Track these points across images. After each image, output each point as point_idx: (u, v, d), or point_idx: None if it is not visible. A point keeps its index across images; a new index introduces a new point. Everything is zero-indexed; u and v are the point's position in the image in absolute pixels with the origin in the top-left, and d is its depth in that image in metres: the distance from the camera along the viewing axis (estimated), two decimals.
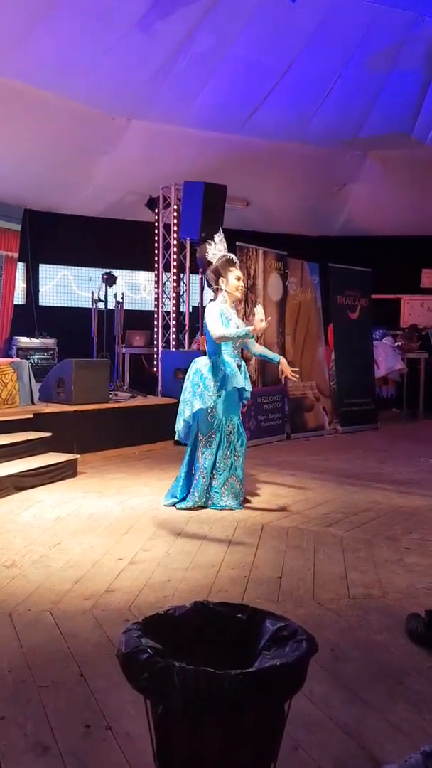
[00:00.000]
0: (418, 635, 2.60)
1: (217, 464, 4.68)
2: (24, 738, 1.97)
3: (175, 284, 8.98)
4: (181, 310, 9.17)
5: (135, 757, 1.86)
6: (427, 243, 11.04)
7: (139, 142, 8.53)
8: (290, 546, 3.84)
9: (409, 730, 2.03)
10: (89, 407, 6.65)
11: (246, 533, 4.09)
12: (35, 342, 9.31)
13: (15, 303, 9.73)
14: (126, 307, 8.98)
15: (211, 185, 7.98)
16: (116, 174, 9.05)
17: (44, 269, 10.31)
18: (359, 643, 2.62)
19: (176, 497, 4.75)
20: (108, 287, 8.49)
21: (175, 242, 8.87)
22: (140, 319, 9.85)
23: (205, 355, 4.85)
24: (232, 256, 4.80)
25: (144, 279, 10.93)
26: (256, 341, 5.03)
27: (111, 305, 8.59)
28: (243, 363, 4.84)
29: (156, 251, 9.18)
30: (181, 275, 9.11)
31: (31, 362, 7.30)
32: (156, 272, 9.25)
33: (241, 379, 4.68)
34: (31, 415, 6.09)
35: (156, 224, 9.18)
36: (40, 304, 10.19)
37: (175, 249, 8.92)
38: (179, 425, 4.77)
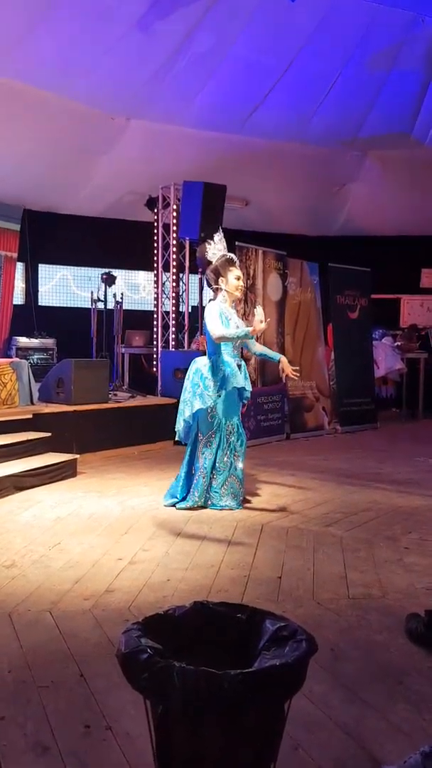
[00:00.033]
0: (417, 635, 2.60)
1: (217, 464, 4.68)
2: (24, 738, 1.97)
3: (174, 284, 8.98)
4: (180, 310, 9.17)
5: (135, 757, 1.86)
6: (426, 243, 11.05)
7: (139, 142, 8.53)
8: (290, 546, 3.84)
9: (409, 730, 2.03)
10: (89, 407, 6.65)
11: (246, 533, 4.09)
12: (34, 342, 9.31)
13: (14, 303, 9.73)
14: (125, 307, 8.99)
15: (211, 185, 7.98)
16: (115, 174, 9.05)
17: (43, 269, 10.31)
18: (359, 643, 2.62)
19: (176, 497, 4.75)
20: (107, 287, 8.49)
21: (175, 242, 8.87)
22: (139, 319, 9.85)
23: (204, 355, 4.85)
24: (232, 255, 4.80)
25: (143, 279, 10.93)
26: (256, 341, 5.03)
27: (110, 305, 8.59)
28: (243, 363, 4.84)
29: (155, 251, 9.18)
30: (181, 275, 9.11)
31: (30, 362, 7.30)
32: (155, 272, 9.25)
33: (241, 379, 4.68)
34: (30, 416, 6.09)
35: (155, 224, 9.18)
36: (40, 304, 10.19)
37: (174, 249, 8.92)
38: (179, 425, 4.77)
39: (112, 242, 10.00)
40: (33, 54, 6.87)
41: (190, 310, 9.32)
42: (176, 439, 5.02)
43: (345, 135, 9.16)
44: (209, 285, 4.91)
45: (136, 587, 3.15)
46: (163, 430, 7.10)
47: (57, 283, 10.42)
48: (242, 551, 3.73)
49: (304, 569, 3.44)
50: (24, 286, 10.08)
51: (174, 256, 8.92)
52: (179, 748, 1.52)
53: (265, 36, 7.62)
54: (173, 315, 8.99)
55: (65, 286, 10.47)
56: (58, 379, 6.69)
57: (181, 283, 9.14)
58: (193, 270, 9.11)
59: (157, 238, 9.16)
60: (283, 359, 4.89)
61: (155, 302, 9.28)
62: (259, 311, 4.59)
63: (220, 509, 4.62)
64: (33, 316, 9.83)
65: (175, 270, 8.96)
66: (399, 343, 10.50)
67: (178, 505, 4.68)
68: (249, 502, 4.84)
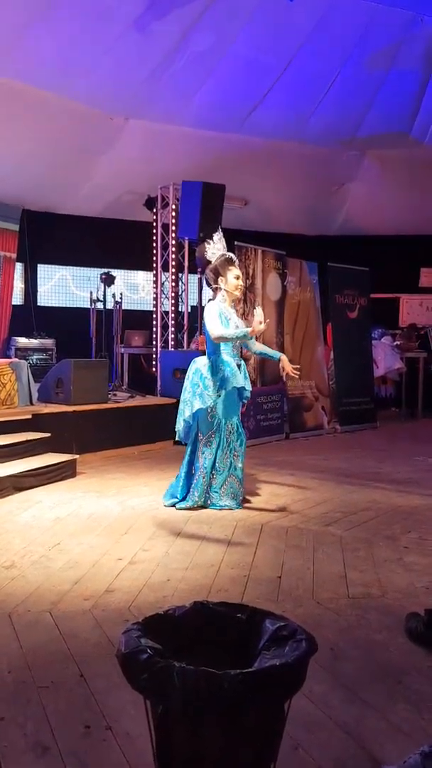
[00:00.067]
0: (417, 634, 2.60)
1: (217, 464, 4.68)
2: (24, 738, 1.97)
3: (173, 284, 8.98)
4: (179, 309, 9.17)
5: (135, 758, 1.86)
6: (425, 242, 11.04)
7: (138, 142, 8.53)
8: (289, 545, 3.84)
9: (409, 729, 2.03)
10: (88, 407, 6.65)
11: (245, 533, 4.09)
12: (34, 342, 9.31)
13: (13, 303, 9.73)
14: (124, 307, 8.99)
15: (210, 185, 7.98)
16: (114, 174, 9.05)
17: (42, 269, 10.30)
18: (359, 642, 2.62)
19: (176, 497, 4.75)
20: (106, 287, 8.49)
21: (174, 242, 8.87)
22: (139, 319, 9.86)
23: (204, 354, 4.85)
24: (231, 255, 4.80)
25: (142, 279, 10.92)
26: (256, 340, 5.03)
27: (109, 305, 8.59)
28: (243, 362, 4.84)
29: (154, 251, 9.18)
30: (180, 275, 9.11)
31: (29, 362, 7.29)
32: (154, 272, 9.25)
33: (241, 379, 4.68)
34: (29, 416, 6.09)
35: (154, 224, 9.18)
36: (39, 304, 10.18)
37: (173, 248, 8.92)
38: (179, 425, 4.77)
39: (111, 242, 10.00)
40: (32, 54, 6.87)
41: (189, 309, 9.32)
42: (176, 439, 5.02)
43: (344, 134, 9.16)
44: (209, 284, 4.91)
45: (136, 587, 3.15)
46: (162, 430, 7.10)
47: (56, 283, 10.42)
48: (242, 551, 3.73)
49: (304, 569, 3.44)
50: (23, 286, 10.08)
51: (173, 256, 8.92)
52: (179, 748, 1.52)
53: (264, 35, 7.62)
54: (172, 315, 8.99)
55: (64, 286, 10.46)
56: (58, 380, 6.68)
57: (180, 283, 9.14)
58: (192, 270, 9.11)
59: (156, 237, 9.16)
60: (284, 357, 4.89)
61: (154, 302, 9.28)
62: (258, 312, 4.59)
63: (220, 509, 4.62)
64: (32, 317, 9.83)
65: (174, 270, 8.96)
66: (398, 343, 10.51)
67: (177, 505, 4.68)
68: (249, 501, 4.84)
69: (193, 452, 4.75)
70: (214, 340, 4.61)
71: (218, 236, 4.84)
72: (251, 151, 8.90)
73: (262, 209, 10.47)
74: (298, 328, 8.60)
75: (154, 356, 9.20)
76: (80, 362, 6.82)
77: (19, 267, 9.89)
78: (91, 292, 8.67)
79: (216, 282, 4.74)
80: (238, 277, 4.75)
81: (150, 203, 9.21)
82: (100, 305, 8.46)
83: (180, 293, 9.16)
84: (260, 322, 4.48)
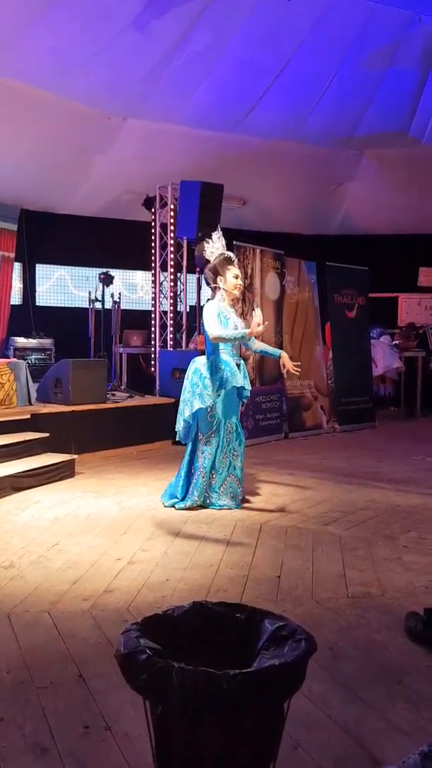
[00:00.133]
0: (417, 634, 2.60)
1: (216, 464, 4.68)
2: (23, 739, 1.96)
3: (172, 284, 8.97)
4: (178, 309, 9.17)
5: (134, 758, 1.86)
6: (424, 241, 11.05)
7: (136, 142, 8.52)
8: (289, 545, 3.84)
9: (409, 729, 2.02)
10: (87, 407, 6.64)
11: (244, 533, 4.09)
12: (32, 342, 9.30)
13: (12, 303, 9.71)
14: (123, 306, 8.98)
15: (208, 184, 7.97)
16: (113, 173, 9.04)
17: (41, 269, 10.29)
18: (358, 642, 2.62)
19: (176, 497, 4.75)
20: (105, 287, 8.48)
21: (172, 241, 8.87)
22: (137, 319, 9.85)
23: (203, 354, 4.85)
24: (230, 254, 4.80)
25: (141, 278, 10.92)
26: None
27: (108, 305, 8.58)
28: (242, 362, 4.84)
29: (153, 251, 9.18)
30: (179, 275, 9.11)
31: (28, 362, 7.29)
32: (153, 272, 9.25)
33: (240, 378, 4.68)
34: (28, 416, 6.08)
35: (153, 224, 9.17)
36: (37, 304, 10.17)
37: (172, 248, 8.91)
38: (179, 425, 4.77)
39: (110, 242, 9.99)
40: (32, 54, 6.86)
41: (188, 309, 9.32)
42: (176, 439, 5.01)
43: (342, 134, 9.15)
44: (208, 284, 4.91)
45: (134, 587, 3.15)
46: (161, 430, 7.10)
47: (54, 283, 10.41)
48: (241, 551, 3.73)
49: (303, 568, 3.44)
50: (21, 286, 10.07)
51: (171, 256, 8.92)
52: (178, 749, 1.52)
53: (262, 34, 7.61)
54: (171, 315, 8.99)
55: (63, 286, 10.45)
56: (56, 380, 6.68)
57: (178, 283, 9.14)
58: (191, 269, 9.10)
59: (155, 237, 9.15)
60: (284, 355, 4.89)
61: (153, 302, 9.27)
62: (257, 314, 4.58)
63: (219, 509, 4.62)
64: (30, 317, 9.82)
65: (172, 269, 8.95)
66: (397, 342, 10.51)
67: (177, 505, 4.67)
68: (248, 501, 4.84)
69: (193, 452, 4.74)
70: (212, 340, 4.61)
71: (217, 235, 4.84)
72: (250, 150, 8.89)
73: (260, 209, 10.47)
74: (297, 327, 8.60)
75: (152, 356, 9.20)
76: (79, 362, 6.81)
77: (17, 267, 9.88)
78: (89, 292, 8.66)
79: (215, 281, 4.74)
80: (237, 277, 4.75)
81: (148, 203, 9.21)
82: (98, 305, 8.45)
83: (178, 293, 9.16)
84: (259, 324, 4.48)
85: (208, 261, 4.76)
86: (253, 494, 5.08)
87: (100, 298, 8.43)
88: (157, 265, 9.14)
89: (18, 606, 2.93)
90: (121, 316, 8.83)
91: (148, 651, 1.50)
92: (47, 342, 9.36)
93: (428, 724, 2.05)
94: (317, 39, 7.76)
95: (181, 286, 9.18)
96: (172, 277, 8.95)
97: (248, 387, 4.77)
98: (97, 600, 3.00)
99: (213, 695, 1.42)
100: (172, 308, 9.00)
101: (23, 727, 2.02)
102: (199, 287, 9.56)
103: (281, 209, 10.56)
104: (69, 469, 5.77)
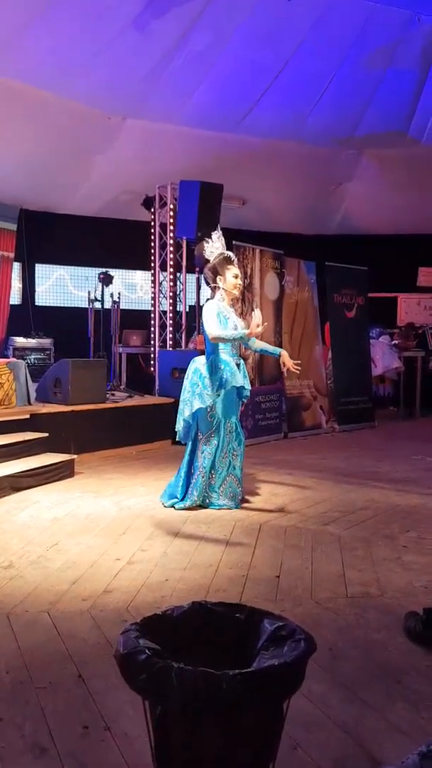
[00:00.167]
0: (416, 633, 2.60)
1: (216, 463, 4.68)
2: (22, 739, 1.96)
3: (171, 284, 8.97)
4: (177, 309, 9.16)
5: (133, 758, 1.86)
6: (423, 241, 11.05)
7: (135, 141, 8.52)
8: (288, 545, 3.84)
9: (408, 729, 2.03)
10: (86, 407, 6.64)
11: (244, 533, 4.09)
12: (32, 342, 9.29)
13: (11, 303, 9.71)
14: (122, 306, 8.97)
15: (208, 184, 7.96)
16: (112, 173, 9.04)
17: (40, 269, 10.29)
18: (357, 642, 2.62)
19: (176, 497, 4.74)
20: (104, 287, 8.48)
21: (172, 241, 8.87)
22: (137, 319, 9.84)
23: (202, 354, 4.85)
24: (230, 253, 4.80)
25: (140, 278, 10.91)
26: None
27: (107, 305, 8.58)
28: (242, 361, 4.84)
29: (152, 250, 9.17)
30: (178, 274, 9.11)
31: (27, 362, 7.29)
32: (152, 271, 9.24)
33: (240, 378, 4.68)
34: (27, 416, 6.08)
35: (152, 223, 9.17)
36: (37, 304, 10.16)
37: (171, 248, 8.91)
38: (179, 425, 4.76)
39: (109, 242, 9.98)
40: (32, 54, 6.86)
41: (187, 309, 9.32)
42: (176, 439, 5.01)
43: (341, 133, 9.15)
44: (207, 283, 4.91)
45: (134, 587, 3.15)
46: (160, 430, 7.11)
47: (54, 282, 10.40)
48: (240, 551, 3.73)
49: (303, 568, 3.44)
50: (21, 286, 10.06)
51: (171, 256, 8.91)
52: (178, 749, 1.52)
53: (262, 34, 7.61)
54: (170, 314, 8.99)
55: (62, 285, 10.45)
56: (56, 379, 6.68)
57: (178, 283, 9.14)
58: (191, 269, 9.10)
59: (154, 237, 9.15)
60: (284, 353, 4.89)
61: (152, 302, 9.27)
62: (257, 315, 4.57)
63: (219, 509, 4.62)
64: (30, 316, 9.82)
65: (172, 269, 8.95)
66: (396, 342, 10.51)
67: (177, 505, 4.67)
68: (247, 501, 4.84)
69: (192, 452, 4.74)
70: (211, 340, 4.61)
71: (217, 235, 4.84)
72: (249, 150, 8.89)
73: (260, 209, 10.47)
74: (296, 327, 8.60)
75: (152, 356, 9.20)
76: (78, 362, 6.81)
77: (16, 266, 9.87)
78: (89, 292, 8.66)
79: (214, 281, 4.74)
80: (236, 276, 4.75)
81: (148, 203, 9.20)
82: (98, 305, 8.45)
83: (178, 293, 9.16)
84: (258, 325, 4.47)
85: (207, 261, 4.76)
86: (253, 494, 5.08)
87: (99, 297, 8.43)
88: (157, 264, 9.14)
89: (17, 606, 2.93)
90: (120, 316, 8.83)
91: (147, 651, 1.50)
92: (46, 342, 9.35)
93: (427, 723, 2.06)
94: (317, 39, 7.76)
95: (181, 286, 9.18)
96: (171, 276, 8.95)
97: (248, 387, 4.77)
98: (96, 600, 3.00)
99: (212, 695, 1.42)
100: (171, 308, 9.00)
101: (22, 728, 2.02)
102: (199, 287, 9.55)
103: (281, 209, 10.56)
104: (68, 469, 5.77)
